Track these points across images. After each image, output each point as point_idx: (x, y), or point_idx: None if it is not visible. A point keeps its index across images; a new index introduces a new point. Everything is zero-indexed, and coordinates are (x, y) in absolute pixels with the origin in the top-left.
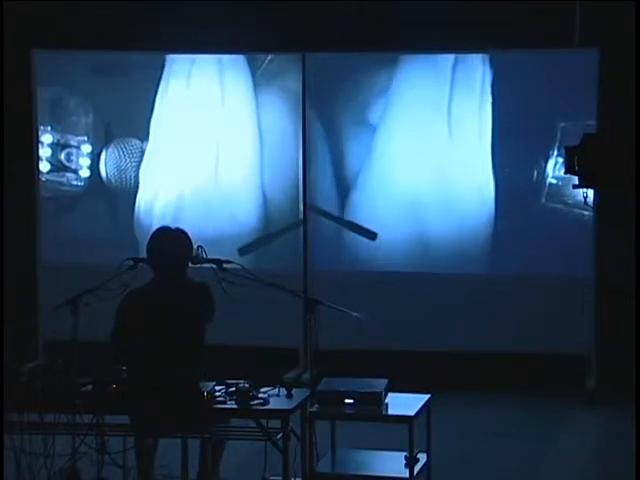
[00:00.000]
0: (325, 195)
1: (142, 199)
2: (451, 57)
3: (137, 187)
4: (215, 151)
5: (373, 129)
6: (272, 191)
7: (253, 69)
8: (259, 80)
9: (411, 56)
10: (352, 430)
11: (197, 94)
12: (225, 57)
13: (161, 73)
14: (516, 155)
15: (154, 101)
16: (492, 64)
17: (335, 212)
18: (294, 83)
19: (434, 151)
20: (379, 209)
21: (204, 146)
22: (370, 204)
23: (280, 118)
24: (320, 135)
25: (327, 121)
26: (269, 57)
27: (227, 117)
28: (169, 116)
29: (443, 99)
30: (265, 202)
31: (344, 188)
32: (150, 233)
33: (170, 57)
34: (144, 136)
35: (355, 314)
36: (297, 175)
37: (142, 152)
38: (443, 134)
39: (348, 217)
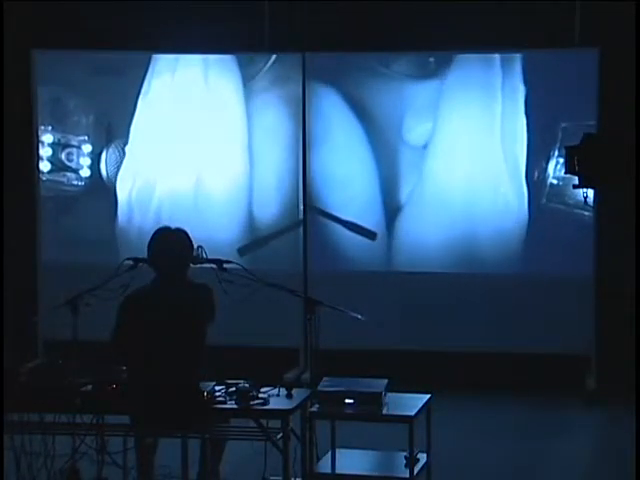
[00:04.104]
0: (325, 195)
1: (128, 197)
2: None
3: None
4: (211, 151)
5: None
6: (272, 191)
7: (255, 69)
8: (262, 79)
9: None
10: (352, 430)
11: (183, 93)
12: (211, 56)
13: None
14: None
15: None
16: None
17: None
18: (295, 81)
19: (461, 151)
20: (381, 208)
21: (208, 145)
22: (374, 203)
23: (281, 118)
24: (323, 134)
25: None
26: (272, 58)
27: (235, 116)
28: (155, 115)
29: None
30: (265, 202)
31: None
32: (136, 232)
33: (154, 56)
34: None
35: (355, 314)
36: (297, 175)
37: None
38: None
39: (350, 216)
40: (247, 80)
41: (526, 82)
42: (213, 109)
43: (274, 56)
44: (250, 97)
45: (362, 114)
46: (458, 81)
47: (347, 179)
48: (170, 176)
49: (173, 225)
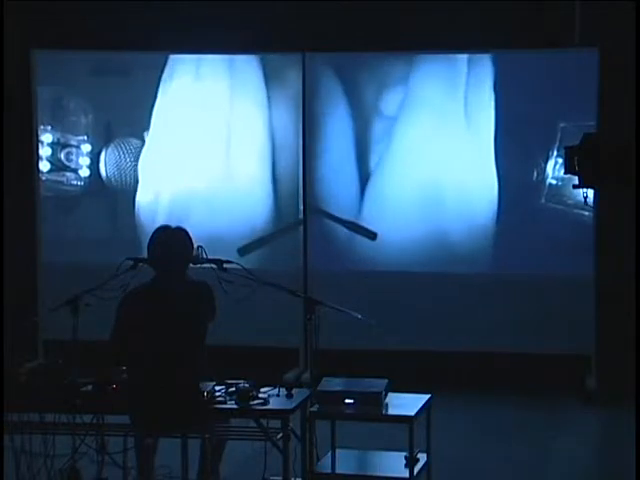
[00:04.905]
0: (325, 195)
1: (142, 197)
2: (465, 56)
3: (137, 186)
4: (221, 150)
5: (389, 126)
6: (272, 191)
7: (257, 68)
8: (262, 79)
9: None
10: (352, 430)
11: (204, 92)
12: (237, 56)
13: (161, 73)
14: (516, 155)
15: (154, 101)
16: (493, 64)
17: (344, 213)
18: (295, 82)
19: (447, 149)
20: (384, 208)
21: (208, 145)
22: (377, 204)
23: (280, 117)
24: (323, 134)
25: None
26: (272, 58)
27: (235, 116)
28: (172, 113)
29: (457, 98)
30: (266, 202)
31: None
32: (150, 231)
33: (175, 56)
34: (144, 136)
35: (355, 314)
36: (297, 175)
37: (141, 151)
38: (457, 133)
39: (355, 217)
40: (248, 80)
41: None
42: (212, 109)
43: (273, 56)
44: (251, 97)
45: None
46: (424, 82)
47: (347, 177)
48: (172, 176)
49: (174, 224)
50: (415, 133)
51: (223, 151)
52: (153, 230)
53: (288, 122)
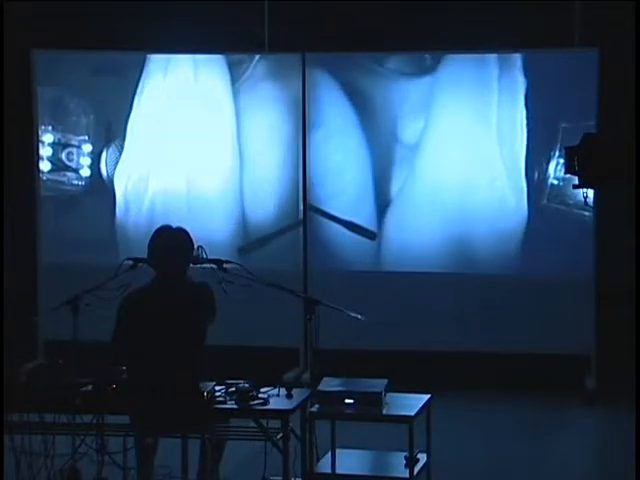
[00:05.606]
0: (325, 195)
1: (127, 197)
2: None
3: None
4: (209, 150)
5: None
6: (271, 190)
7: (244, 68)
8: (258, 78)
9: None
10: (352, 430)
11: (175, 93)
12: (201, 56)
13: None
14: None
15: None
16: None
17: (344, 213)
18: (295, 82)
19: (450, 149)
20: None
21: (199, 145)
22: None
23: (280, 117)
24: (324, 133)
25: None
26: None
27: (217, 117)
28: (150, 115)
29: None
30: (264, 202)
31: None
32: (132, 232)
33: (148, 56)
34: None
35: (355, 314)
36: (297, 175)
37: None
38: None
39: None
40: (239, 77)
41: (525, 82)
42: (211, 108)
43: (272, 56)
44: (247, 94)
45: (356, 110)
46: (452, 77)
47: (341, 175)
48: (168, 175)
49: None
50: (424, 131)
51: (221, 150)
52: (130, 230)
53: (286, 119)
